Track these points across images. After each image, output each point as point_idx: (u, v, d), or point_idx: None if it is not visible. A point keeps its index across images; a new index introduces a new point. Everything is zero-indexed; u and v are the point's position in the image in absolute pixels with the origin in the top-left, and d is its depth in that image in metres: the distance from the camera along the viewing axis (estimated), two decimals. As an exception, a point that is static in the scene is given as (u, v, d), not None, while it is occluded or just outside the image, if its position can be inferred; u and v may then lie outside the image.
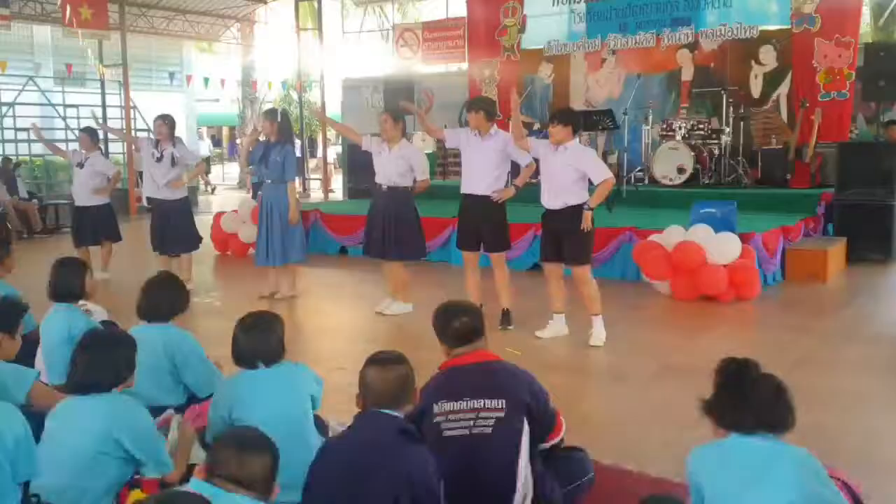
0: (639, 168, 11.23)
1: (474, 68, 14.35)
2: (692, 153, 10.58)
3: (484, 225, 6.22)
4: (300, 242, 7.46)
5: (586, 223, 5.52)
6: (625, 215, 8.85)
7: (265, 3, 20.33)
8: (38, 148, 16.79)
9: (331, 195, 18.23)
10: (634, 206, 9.85)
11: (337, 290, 8.15)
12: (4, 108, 15.53)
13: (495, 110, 6.36)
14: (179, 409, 3.67)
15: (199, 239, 8.08)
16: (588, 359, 5.58)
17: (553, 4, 13.44)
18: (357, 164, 14.03)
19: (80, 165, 8.36)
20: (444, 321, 2.92)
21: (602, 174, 5.62)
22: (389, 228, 6.58)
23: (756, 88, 11.69)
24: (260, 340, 3.16)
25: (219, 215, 10.24)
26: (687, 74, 12.22)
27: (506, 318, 6.25)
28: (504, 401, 2.75)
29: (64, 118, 16.71)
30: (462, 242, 6.42)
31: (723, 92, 10.95)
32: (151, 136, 8.54)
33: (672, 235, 7.21)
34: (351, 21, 21.91)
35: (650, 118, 11.33)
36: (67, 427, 2.80)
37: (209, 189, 21.02)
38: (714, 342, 5.83)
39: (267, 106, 26.84)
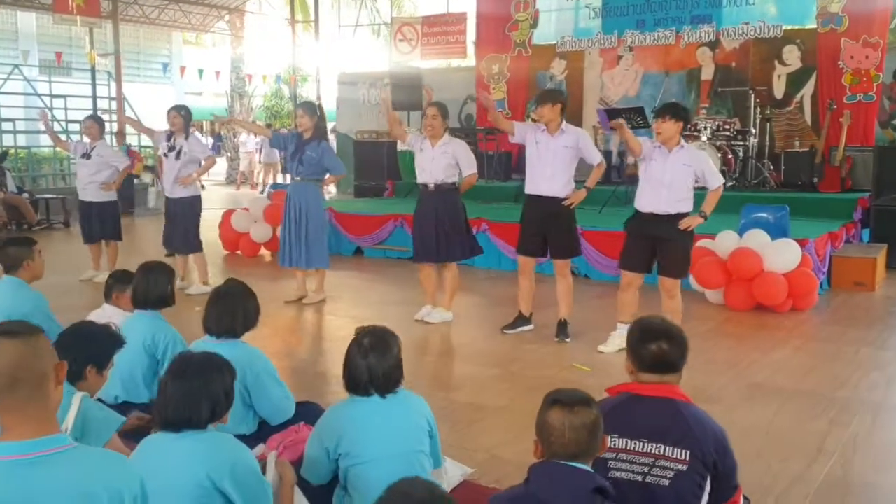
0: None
1: (483, 63, 13.92)
2: (718, 154, 10.25)
3: (551, 230, 5.75)
4: (326, 247, 7.01)
5: (688, 224, 5.13)
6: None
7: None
8: (22, 139, 16.17)
9: (328, 195, 17.69)
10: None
11: (364, 294, 7.68)
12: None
13: (567, 103, 5.89)
14: (249, 440, 3.21)
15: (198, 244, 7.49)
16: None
17: (567, -1, 13.07)
18: (364, 163, 13.60)
19: (87, 156, 7.79)
20: (640, 339, 2.47)
21: (719, 179, 5.24)
22: (442, 230, 6.11)
23: (779, 89, 11.43)
24: (378, 364, 2.71)
25: (229, 213, 9.72)
26: (707, 73, 11.93)
27: (562, 329, 5.81)
28: (689, 452, 2.32)
29: (51, 109, 16.00)
30: (524, 247, 5.95)
31: (750, 92, 10.63)
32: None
33: (726, 241, 6.84)
34: (342, 16, 21.35)
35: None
36: (162, 473, 2.33)
37: (200, 186, 20.42)
38: (790, 357, 5.47)
39: (256, 99, 26.34)
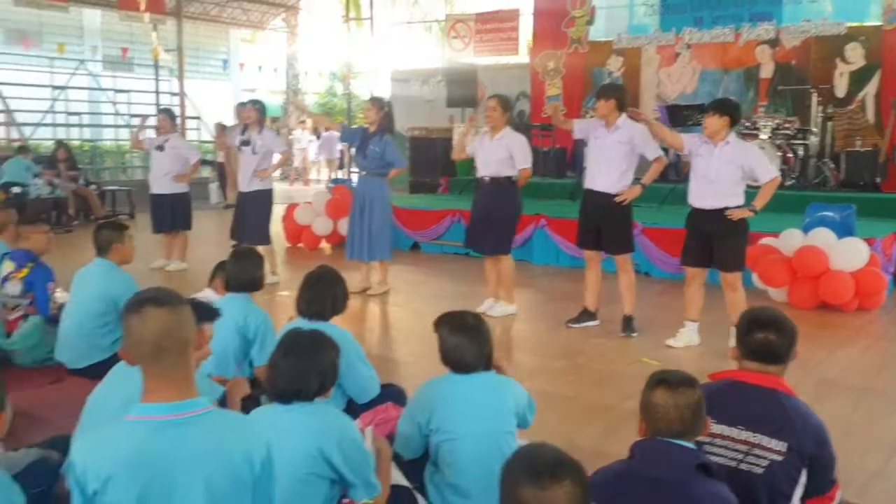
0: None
1: (538, 60, 13.95)
2: (778, 153, 10.16)
3: (604, 224, 5.82)
4: (390, 240, 7.14)
5: (737, 214, 5.13)
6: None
7: (314, -9, 20.00)
8: (87, 133, 16.65)
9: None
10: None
11: (422, 287, 7.80)
12: (56, 92, 15.28)
13: (627, 99, 5.93)
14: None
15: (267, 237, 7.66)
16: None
17: (625, -5, 13.06)
18: (418, 159, 13.72)
19: (160, 148, 8.04)
20: (747, 327, 2.53)
21: (770, 172, 5.23)
22: (486, 222, 6.20)
23: (841, 88, 11.24)
24: (471, 343, 2.83)
25: (292, 207, 9.93)
26: (766, 71, 11.79)
27: (628, 324, 5.86)
28: (787, 444, 2.37)
29: (114, 103, 16.46)
30: (581, 241, 6.04)
31: (812, 91, 10.50)
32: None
33: (790, 239, 6.81)
34: (395, 14, 21.55)
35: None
36: (272, 443, 2.46)
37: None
38: (860, 356, 5.45)
39: (309, 96, 26.67)
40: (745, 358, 2.52)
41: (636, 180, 5.84)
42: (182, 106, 15.10)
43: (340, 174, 18.54)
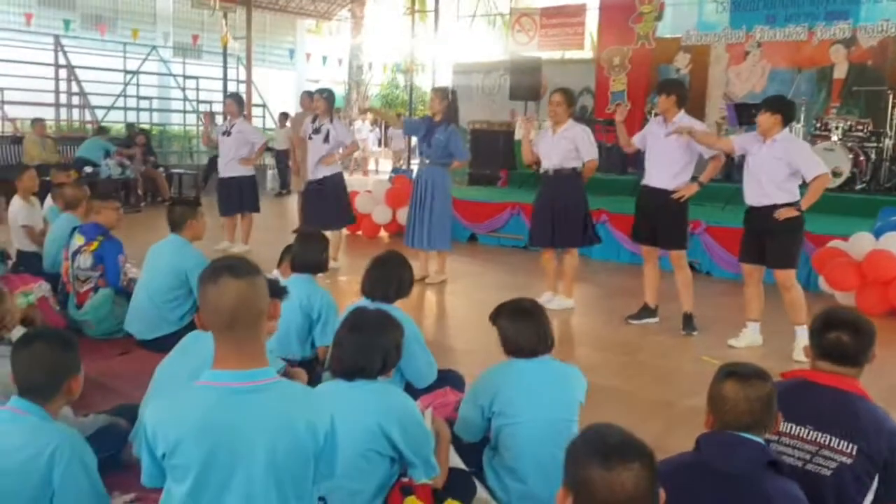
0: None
1: (603, 55, 13.80)
2: (850, 155, 9.87)
3: (659, 220, 5.75)
4: (449, 230, 7.17)
5: (784, 214, 5.02)
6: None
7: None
8: (157, 117, 17.06)
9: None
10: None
11: (479, 278, 7.80)
12: (128, 77, 15.69)
13: (687, 95, 5.86)
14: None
15: (351, 217, 7.77)
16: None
17: (694, -8, 12.81)
18: (479, 151, 13.69)
19: (227, 133, 8.20)
20: (821, 326, 2.49)
21: (816, 169, 5.09)
22: (560, 215, 6.16)
23: (919, 90, 10.85)
24: (529, 327, 2.84)
25: (353, 194, 10.01)
26: (840, 72, 11.45)
27: (688, 322, 5.78)
28: (857, 447, 2.31)
29: (183, 89, 16.82)
30: (637, 235, 5.99)
31: (889, 92, 10.17)
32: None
33: (860, 243, 6.62)
34: (460, 6, 21.50)
35: (802, 116, 10.61)
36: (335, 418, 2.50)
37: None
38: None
39: (372, 88, 26.86)
40: (818, 358, 2.47)
41: (694, 178, 5.77)
42: (248, 94, 15.32)
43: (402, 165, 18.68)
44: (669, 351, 5.36)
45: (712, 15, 12.60)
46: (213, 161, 11.20)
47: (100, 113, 15.01)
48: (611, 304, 6.63)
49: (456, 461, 2.90)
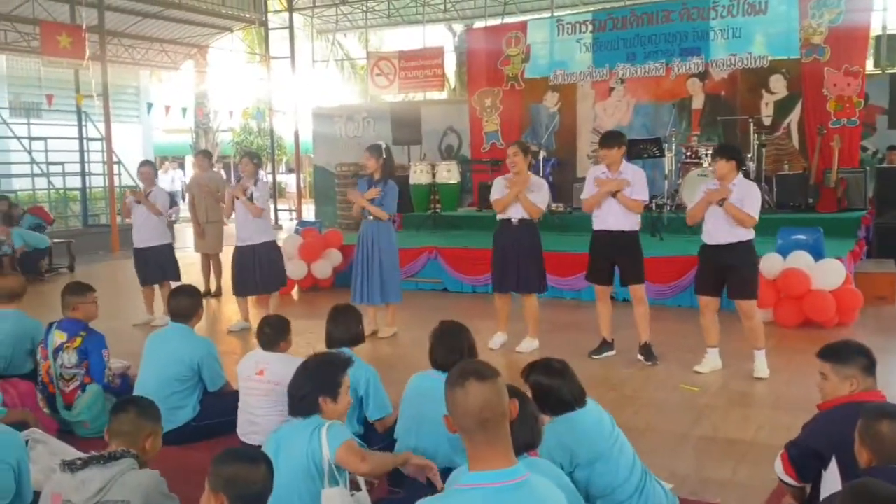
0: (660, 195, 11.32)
1: (475, 97, 14.30)
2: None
3: (622, 260, 6.19)
4: (399, 281, 7.24)
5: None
6: (676, 242, 9.15)
7: (231, 31, 19.78)
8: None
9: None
10: (679, 232, 9.90)
11: (424, 326, 7.80)
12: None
13: (626, 143, 6.35)
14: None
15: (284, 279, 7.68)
16: (771, 392, 5.47)
17: (558, 34, 13.60)
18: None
19: (138, 202, 7.82)
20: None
21: (754, 212, 5.61)
22: (524, 261, 6.42)
23: (767, 116, 12.08)
24: (565, 382, 3.19)
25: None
26: (697, 103, 12.54)
27: (648, 352, 6.17)
28: None
29: (30, 151, 15.71)
30: (595, 277, 6.37)
31: (750, 120, 11.23)
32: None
33: (771, 263, 7.30)
34: (307, 52, 21.48)
35: (672, 146, 11.46)
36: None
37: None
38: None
39: (223, 134, 26.18)
40: (863, 375, 2.90)
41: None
42: (109, 152, 14.51)
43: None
44: (647, 382, 5.70)
45: (577, 55, 13.42)
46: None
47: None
48: (564, 340, 6.90)
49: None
